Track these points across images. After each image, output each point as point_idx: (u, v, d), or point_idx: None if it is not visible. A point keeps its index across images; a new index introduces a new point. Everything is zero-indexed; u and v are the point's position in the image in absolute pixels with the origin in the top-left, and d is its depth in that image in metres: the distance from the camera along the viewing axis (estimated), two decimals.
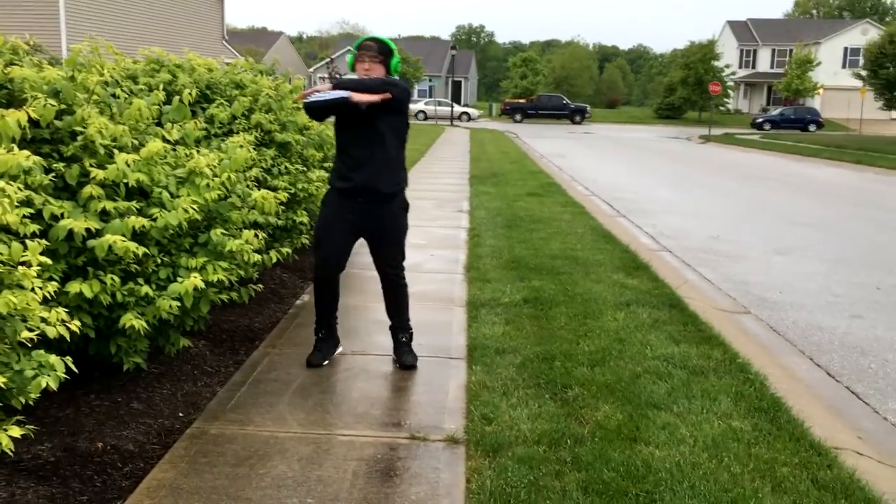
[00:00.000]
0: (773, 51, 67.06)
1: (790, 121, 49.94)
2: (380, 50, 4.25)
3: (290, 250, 5.13)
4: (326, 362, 4.59)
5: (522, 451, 3.53)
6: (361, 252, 4.93)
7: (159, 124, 4.50)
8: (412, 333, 4.72)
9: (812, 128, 49.01)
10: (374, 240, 4.49)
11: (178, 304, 3.62)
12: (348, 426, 3.78)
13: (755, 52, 68.17)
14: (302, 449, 3.52)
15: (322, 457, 3.45)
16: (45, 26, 18.85)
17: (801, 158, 26.57)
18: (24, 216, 2.90)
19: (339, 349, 4.74)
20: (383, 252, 4.52)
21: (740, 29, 70.07)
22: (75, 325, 2.86)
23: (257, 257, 4.14)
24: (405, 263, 4.65)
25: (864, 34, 59.30)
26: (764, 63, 67.68)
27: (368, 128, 4.26)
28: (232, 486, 3.17)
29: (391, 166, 4.37)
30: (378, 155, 4.29)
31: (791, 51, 60.61)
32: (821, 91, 56.89)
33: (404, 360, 4.60)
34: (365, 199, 4.33)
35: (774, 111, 53.34)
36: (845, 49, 61.84)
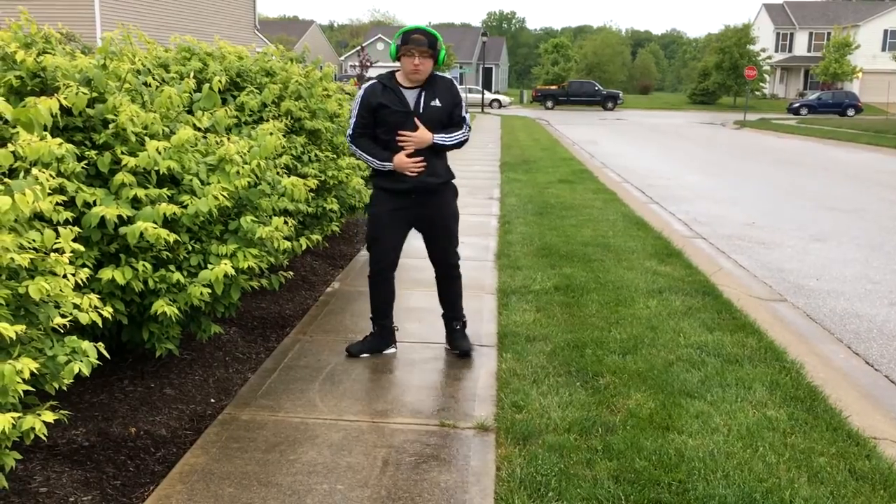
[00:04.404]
0: (811, 34, 65.68)
1: (828, 105, 48.89)
2: (430, 44, 4.16)
3: (320, 237, 5.12)
4: (364, 355, 4.56)
5: (553, 439, 3.50)
6: None
7: (190, 112, 4.52)
8: (466, 322, 4.70)
9: (850, 112, 47.93)
10: (430, 231, 4.48)
11: (209, 290, 3.64)
12: (378, 413, 3.79)
13: (792, 35, 66.82)
14: (332, 435, 3.52)
15: (352, 443, 3.45)
16: (81, 16, 19.10)
17: (838, 143, 26.04)
18: (57, 203, 2.92)
19: (392, 350, 4.63)
20: (439, 242, 4.51)
21: (777, 12, 68.73)
22: (107, 311, 2.88)
23: (287, 244, 4.14)
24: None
25: None
26: (801, 47, 66.34)
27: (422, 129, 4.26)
28: (262, 471, 3.19)
29: (442, 160, 4.40)
30: (431, 154, 4.30)
31: (829, 34, 59.35)
32: (859, 75, 55.71)
33: (461, 345, 4.59)
34: (418, 195, 4.34)
35: (812, 96, 52.27)
36: (885, 31, 60.39)
